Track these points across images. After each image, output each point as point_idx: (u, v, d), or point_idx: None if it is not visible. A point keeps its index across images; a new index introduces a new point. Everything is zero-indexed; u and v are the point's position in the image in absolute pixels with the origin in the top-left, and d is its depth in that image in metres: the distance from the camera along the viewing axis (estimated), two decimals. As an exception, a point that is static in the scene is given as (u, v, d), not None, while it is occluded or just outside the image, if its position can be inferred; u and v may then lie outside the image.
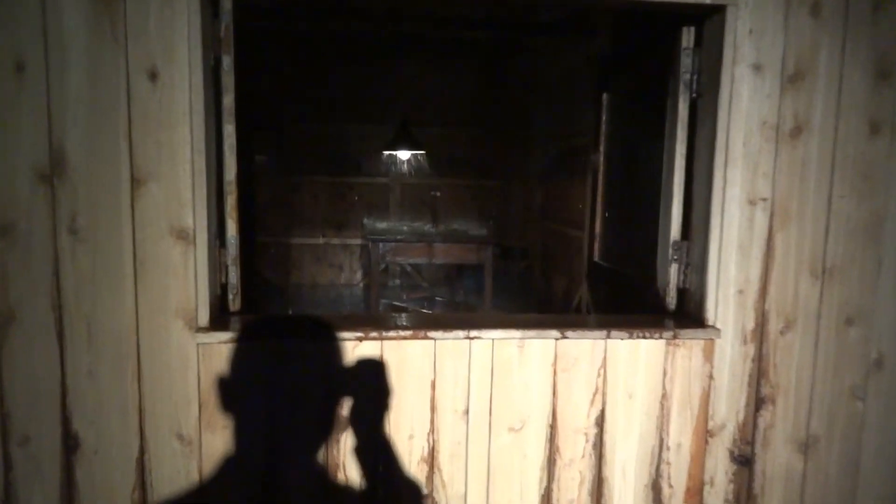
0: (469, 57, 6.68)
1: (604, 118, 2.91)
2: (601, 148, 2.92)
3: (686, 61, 2.28)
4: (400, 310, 4.36)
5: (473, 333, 2.09)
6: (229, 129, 2.11)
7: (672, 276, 2.37)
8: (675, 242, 2.35)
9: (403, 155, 5.77)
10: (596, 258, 2.95)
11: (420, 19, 5.34)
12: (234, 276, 2.15)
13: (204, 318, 1.99)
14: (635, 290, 2.64)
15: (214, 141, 2.09)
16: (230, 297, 2.15)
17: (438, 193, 5.59)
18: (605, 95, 2.91)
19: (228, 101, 2.09)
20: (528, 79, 7.30)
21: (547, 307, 6.59)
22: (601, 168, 2.93)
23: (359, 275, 7.26)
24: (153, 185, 1.94)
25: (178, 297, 1.97)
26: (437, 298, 4.64)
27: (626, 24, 2.89)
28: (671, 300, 2.38)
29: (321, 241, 7.13)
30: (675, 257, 2.35)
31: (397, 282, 7.34)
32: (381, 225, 5.76)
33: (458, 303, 4.70)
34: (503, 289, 6.83)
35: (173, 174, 1.94)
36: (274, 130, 6.58)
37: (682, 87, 2.30)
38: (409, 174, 7.03)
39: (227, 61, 2.07)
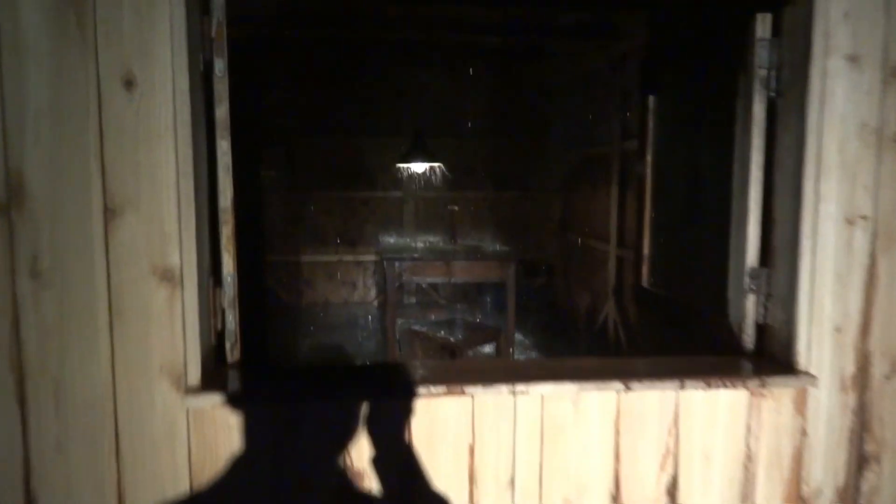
0: (485, 63, 6.32)
1: (650, 123, 2.53)
2: (648, 157, 2.53)
3: (762, 54, 1.90)
4: (420, 338, 3.99)
5: (520, 388, 1.70)
6: (224, 146, 1.74)
7: (749, 309, 1.97)
8: (753, 269, 1.96)
9: (418, 167, 5.40)
10: (644, 283, 2.56)
11: (433, 24, 4.99)
12: (231, 322, 1.78)
13: (195, 375, 1.62)
14: (697, 322, 2.25)
15: (206, 160, 1.73)
16: (228, 346, 1.78)
17: (456, 208, 5.21)
18: (651, 98, 2.52)
19: (222, 112, 1.73)
20: (547, 85, 6.92)
21: (571, 326, 6.18)
22: (648, 179, 2.54)
23: (373, 292, 6.88)
24: (131, 216, 1.57)
25: (162, 352, 1.60)
26: (457, 318, 4.25)
27: (671, 19, 2.51)
28: (748, 338, 1.99)
29: (334, 258, 6.77)
30: (753, 287, 1.96)
31: (413, 300, 6.96)
32: (397, 241, 5.39)
33: (480, 326, 4.32)
34: (523, 306, 6.44)
35: (155, 202, 1.57)
36: (284, 145, 6.24)
37: (756, 85, 1.91)
38: (425, 187, 6.68)
39: (220, 65, 1.71)
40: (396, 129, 6.54)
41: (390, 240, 5.48)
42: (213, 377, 1.69)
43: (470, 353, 4.08)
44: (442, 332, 3.92)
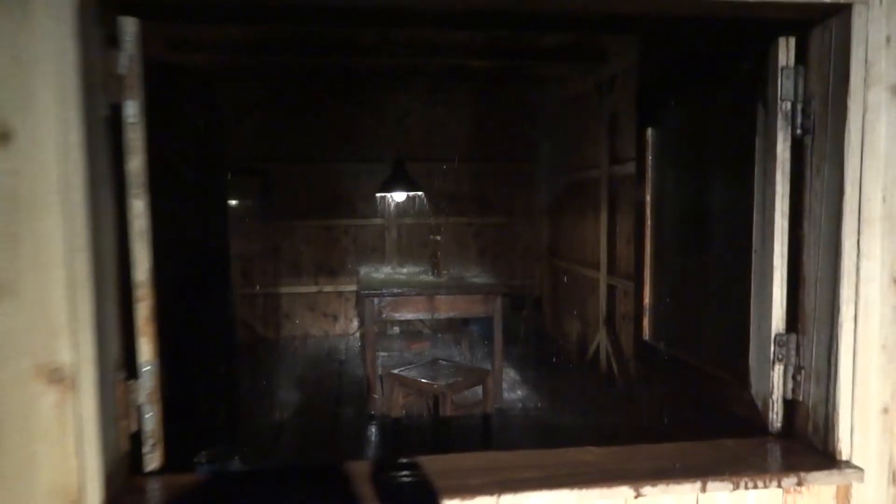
0: (468, 87, 6.01)
1: (649, 159, 2.21)
2: (647, 194, 2.21)
3: (786, 85, 1.58)
4: (401, 382, 3.63)
5: (506, 500, 1.35)
6: (138, 207, 1.39)
7: (775, 381, 1.64)
8: (779, 336, 1.63)
9: (399, 196, 5.08)
10: (646, 337, 2.22)
11: (415, 48, 4.68)
12: (151, 421, 1.42)
13: (95, 498, 1.26)
14: (709, 388, 1.91)
15: (114, 226, 1.38)
16: (145, 451, 1.42)
17: (439, 238, 4.88)
18: (649, 131, 2.21)
19: (135, 165, 1.38)
20: (533, 109, 6.64)
21: (561, 357, 5.84)
22: (649, 221, 2.21)
23: (355, 323, 6.52)
24: (7, 305, 1.21)
25: (52, 472, 1.24)
26: (441, 361, 3.90)
27: (668, 42, 2.20)
28: (775, 416, 1.65)
29: (314, 289, 6.40)
30: (780, 356, 1.63)
31: (397, 329, 6.60)
32: (377, 275, 5.03)
33: (465, 368, 3.98)
34: (510, 335, 6.11)
35: (39, 285, 1.22)
36: (259, 173, 5.89)
37: (779, 121, 1.59)
38: (408, 213, 6.34)
39: (133, 108, 1.36)
40: (377, 155, 6.22)
41: (371, 272, 5.12)
42: (121, 497, 1.33)
43: (454, 398, 3.72)
44: (424, 378, 3.56)
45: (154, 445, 1.43)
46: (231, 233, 5.90)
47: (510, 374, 5.09)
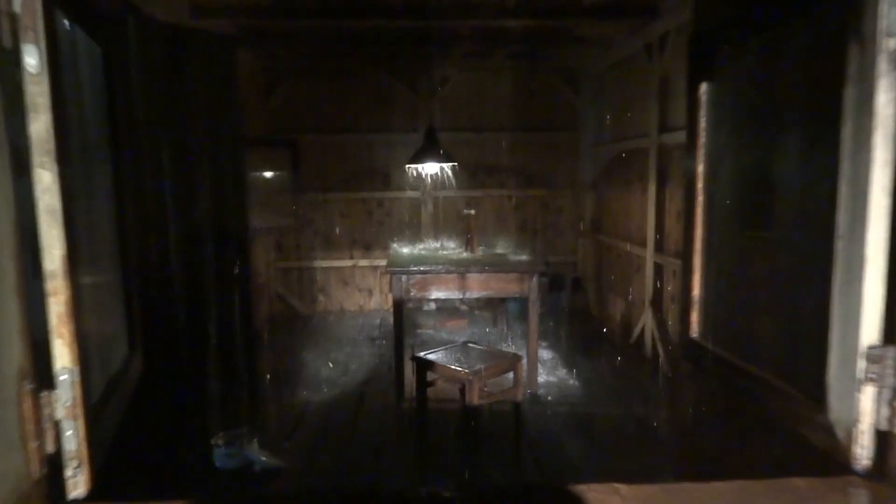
0: (506, 52, 5.55)
1: (702, 120, 1.79)
2: (699, 163, 1.80)
3: (893, 15, 1.15)
4: (432, 368, 3.34)
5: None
6: (45, 180, 1.10)
7: (865, 407, 1.24)
8: (872, 349, 1.23)
9: (431, 168, 4.72)
10: (694, 334, 1.83)
11: (448, 9, 4.28)
12: (72, 439, 1.15)
13: (-14, 542, 1.00)
14: (770, 401, 1.53)
15: (13, 203, 1.09)
16: (68, 474, 1.16)
17: (473, 212, 4.51)
18: (703, 87, 1.78)
19: (40, 128, 1.09)
20: (575, 74, 6.13)
21: (603, 338, 5.44)
22: (700, 196, 1.81)
23: (390, 299, 6.26)
24: None
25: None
26: (471, 345, 3.58)
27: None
28: (862, 452, 1.26)
29: (349, 263, 6.16)
30: (872, 375, 1.23)
31: (433, 305, 6.32)
32: (409, 250, 4.73)
33: (497, 353, 3.66)
34: (549, 314, 5.73)
35: None
36: (289, 144, 5.62)
37: (882, 64, 1.17)
38: (444, 186, 5.99)
39: (34, 56, 1.06)
40: (413, 125, 5.87)
41: (403, 247, 4.82)
42: (24, 538, 1.06)
43: (485, 386, 3.41)
44: (453, 363, 3.26)
45: (78, 468, 1.16)
46: (262, 206, 5.71)
47: (546, 357, 4.74)
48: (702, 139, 1.79)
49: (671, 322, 4.45)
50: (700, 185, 1.80)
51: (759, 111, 1.64)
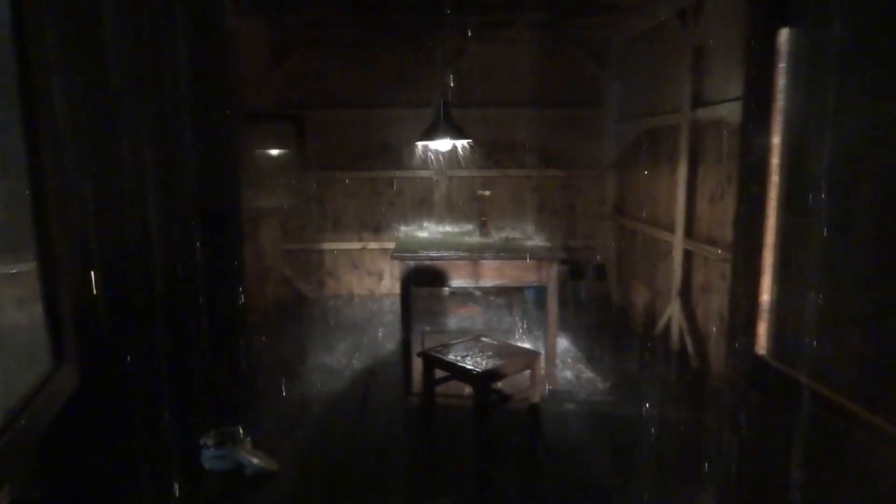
0: (526, 21, 5.09)
1: (781, 79, 1.38)
2: (775, 135, 1.39)
3: None
4: (442, 366, 2.99)
5: None
6: None
7: None
8: None
9: (443, 146, 4.32)
10: (762, 351, 1.44)
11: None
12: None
13: None
14: (878, 455, 1.14)
15: None
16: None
17: (487, 193, 4.13)
18: (783, 34, 1.37)
19: None
20: (600, 45, 5.65)
21: (625, 329, 5.04)
22: (774, 176, 1.40)
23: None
24: None
25: None
26: (484, 339, 3.22)
27: None
28: None
29: (357, 245, 5.81)
30: None
31: (445, 291, 5.95)
32: (420, 233, 4.35)
33: (513, 350, 3.30)
34: (568, 301, 5.34)
35: None
36: (294, 119, 5.24)
37: None
38: (458, 165, 5.58)
39: None
40: (426, 100, 5.46)
41: (413, 231, 4.45)
42: None
43: (499, 384, 3.06)
44: (463, 360, 2.90)
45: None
46: (267, 186, 5.36)
47: (565, 349, 4.37)
48: (779, 103, 1.38)
49: (700, 313, 4.05)
50: (775, 161, 1.39)
51: (871, 61, 1.23)
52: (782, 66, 1.38)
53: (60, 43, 1.41)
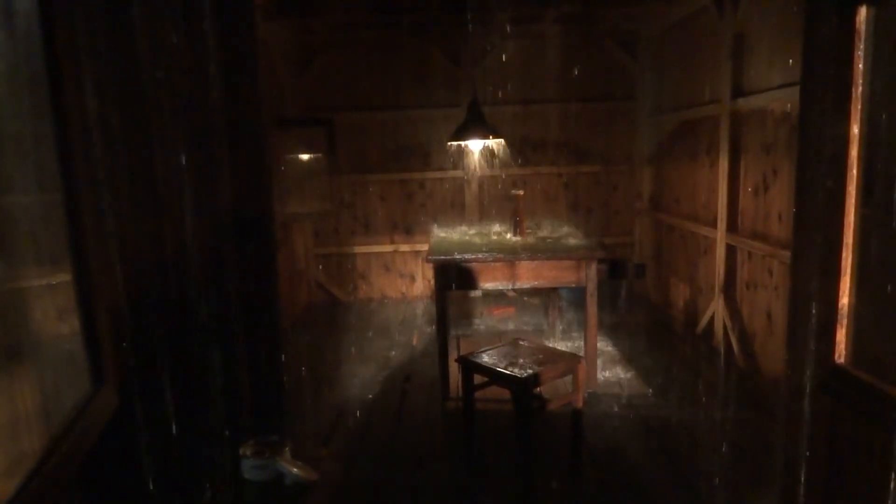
0: (555, 14, 4.97)
1: (861, 62, 1.26)
2: (854, 124, 1.28)
3: None
4: (479, 370, 2.90)
5: None
6: None
7: None
8: None
9: (474, 145, 4.23)
10: (840, 359, 1.33)
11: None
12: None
13: None
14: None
15: None
16: None
17: (521, 192, 4.03)
18: (863, 13, 1.26)
19: None
20: (632, 37, 5.50)
21: (664, 330, 4.88)
22: (854, 169, 1.29)
23: (433, 285, 5.84)
24: None
25: None
26: (523, 343, 3.12)
27: None
28: None
29: (389, 248, 5.76)
30: None
31: (479, 292, 5.87)
32: (453, 234, 4.28)
33: (552, 356, 3.19)
34: (605, 299, 5.21)
35: None
36: (324, 123, 5.21)
37: None
38: (490, 165, 5.49)
39: None
40: (455, 100, 5.39)
41: (446, 232, 4.37)
42: None
43: (539, 389, 2.96)
44: (502, 365, 2.81)
45: None
46: (299, 191, 5.34)
47: (604, 348, 4.25)
48: (859, 89, 1.26)
49: (745, 311, 3.89)
50: (854, 152, 1.28)
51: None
52: (861, 49, 1.27)
53: (91, 55, 1.37)
